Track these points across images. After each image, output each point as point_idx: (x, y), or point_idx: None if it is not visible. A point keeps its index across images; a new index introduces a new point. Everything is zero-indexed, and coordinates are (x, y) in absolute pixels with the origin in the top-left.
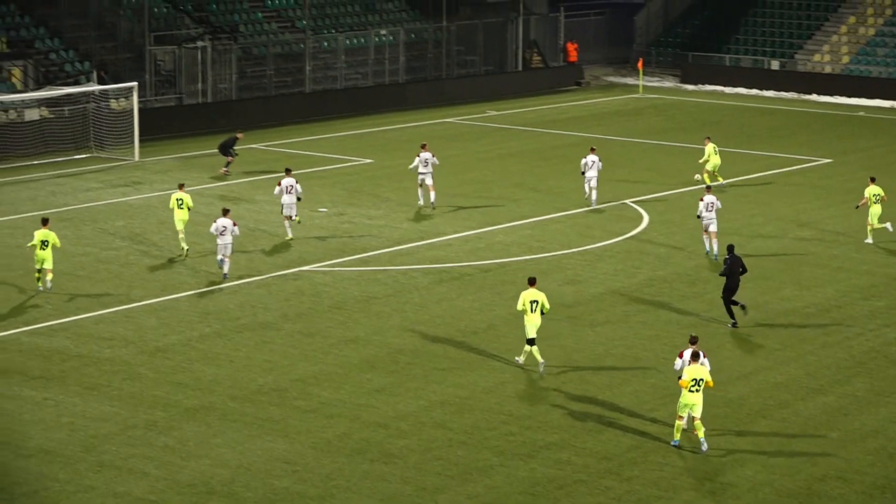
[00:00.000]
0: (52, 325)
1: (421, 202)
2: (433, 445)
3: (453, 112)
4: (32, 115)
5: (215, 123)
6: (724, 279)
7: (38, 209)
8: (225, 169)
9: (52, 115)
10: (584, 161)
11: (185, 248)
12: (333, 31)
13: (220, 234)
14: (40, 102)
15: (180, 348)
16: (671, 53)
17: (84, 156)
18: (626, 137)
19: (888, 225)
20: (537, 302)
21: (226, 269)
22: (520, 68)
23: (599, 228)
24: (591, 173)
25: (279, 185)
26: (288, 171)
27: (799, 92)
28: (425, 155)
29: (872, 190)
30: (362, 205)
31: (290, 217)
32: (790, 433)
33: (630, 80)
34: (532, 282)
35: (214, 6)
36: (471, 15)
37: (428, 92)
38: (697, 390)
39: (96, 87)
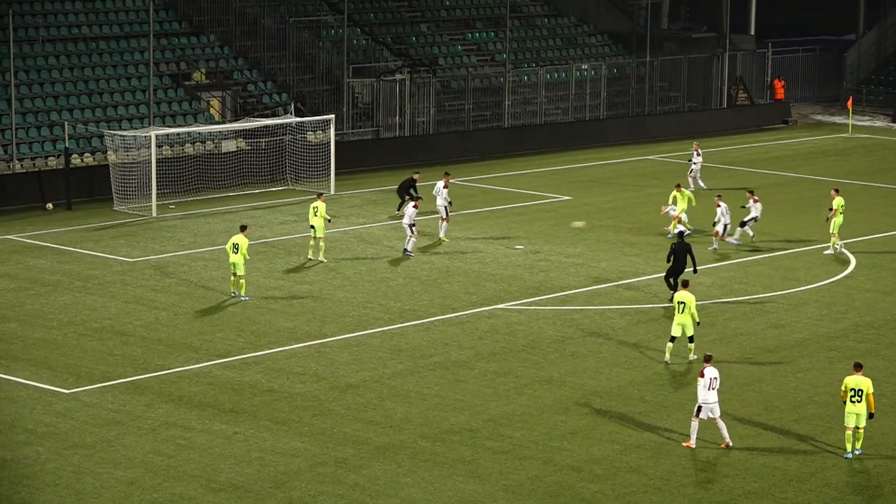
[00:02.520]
0: (244, 358)
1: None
2: (628, 491)
3: (655, 149)
4: (229, 146)
5: (412, 157)
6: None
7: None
8: (399, 211)
9: (248, 147)
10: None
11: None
12: (534, 65)
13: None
14: (237, 134)
15: (372, 385)
16: (883, 92)
17: (280, 188)
18: (833, 178)
19: None
20: (684, 304)
21: (411, 245)
22: (724, 105)
23: (804, 271)
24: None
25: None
26: (447, 175)
27: None
28: (439, 185)
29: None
30: (560, 242)
31: (443, 218)
32: None
33: (839, 119)
34: (685, 284)
35: (414, 39)
36: (675, 50)
37: (629, 128)
38: (858, 401)
39: (294, 119)
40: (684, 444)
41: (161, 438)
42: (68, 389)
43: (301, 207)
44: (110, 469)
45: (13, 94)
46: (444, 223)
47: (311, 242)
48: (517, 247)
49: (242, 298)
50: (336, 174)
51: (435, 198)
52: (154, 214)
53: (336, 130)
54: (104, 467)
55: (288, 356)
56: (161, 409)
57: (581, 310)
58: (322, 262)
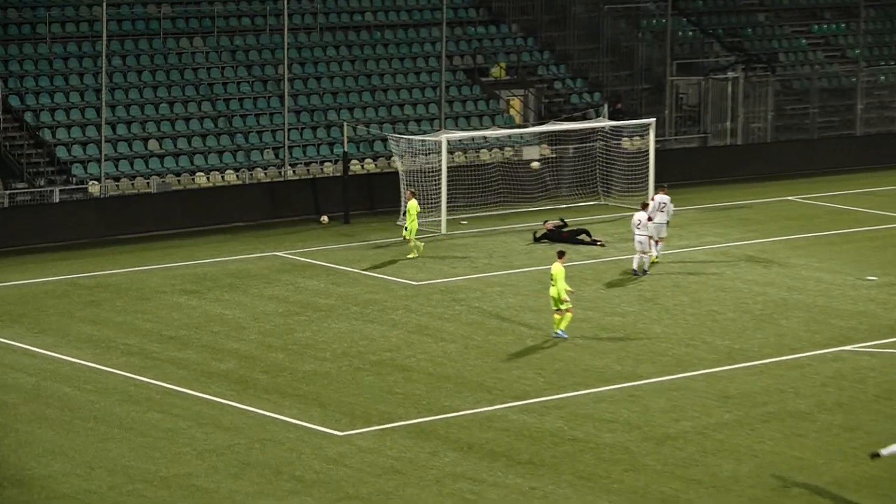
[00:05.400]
0: (544, 401)
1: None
2: None
3: None
4: (532, 153)
5: (745, 169)
6: None
7: (535, 263)
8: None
9: (553, 155)
10: None
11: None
12: (893, 63)
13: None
14: (541, 139)
15: (693, 437)
16: None
17: (590, 203)
18: None
19: None
20: None
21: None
22: None
23: None
24: None
25: (652, 199)
26: (662, 188)
27: None
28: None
29: None
30: None
31: (656, 240)
32: None
33: None
34: None
35: (749, 30)
36: None
37: None
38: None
39: (608, 123)
40: None
41: (447, 492)
42: (341, 431)
43: (613, 226)
44: None
45: (286, 90)
46: (660, 243)
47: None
48: (869, 278)
49: (555, 334)
50: (655, 187)
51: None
52: (443, 231)
53: (656, 137)
54: None
55: (595, 400)
56: (447, 458)
57: None
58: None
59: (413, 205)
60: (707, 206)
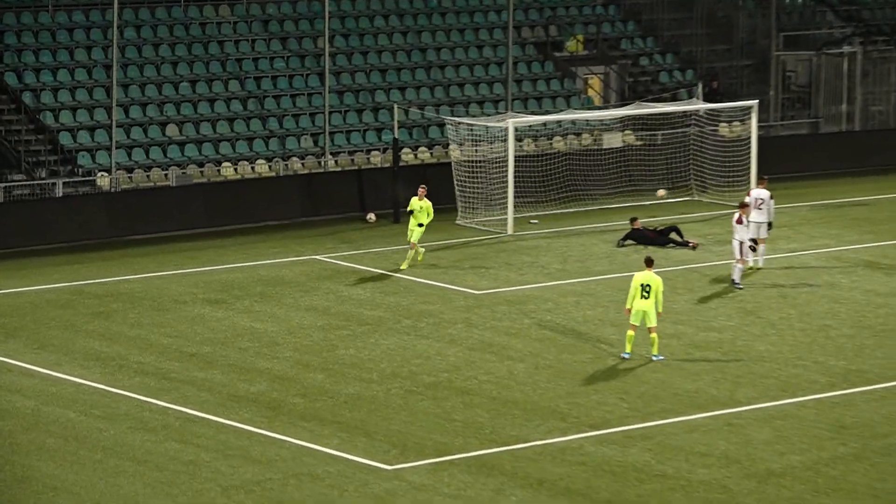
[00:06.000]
0: (627, 430)
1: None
2: None
3: None
4: (614, 140)
5: (863, 160)
6: None
7: (617, 269)
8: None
9: (639, 142)
10: None
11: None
12: None
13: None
14: (625, 124)
15: (802, 473)
16: None
17: (681, 199)
18: None
19: None
20: None
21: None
22: None
23: None
24: None
25: (748, 194)
26: (763, 181)
27: None
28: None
29: None
30: None
31: (755, 241)
32: None
33: None
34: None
35: None
36: None
37: None
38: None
39: (702, 106)
40: None
41: None
42: (390, 465)
43: (707, 226)
44: None
45: (327, 67)
46: (759, 246)
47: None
48: None
49: (654, 358)
50: (757, 180)
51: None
52: (510, 231)
53: (759, 122)
54: None
55: (687, 429)
56: (514, 497)
57: None
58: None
59: (428, 205)
60: (818, 202)
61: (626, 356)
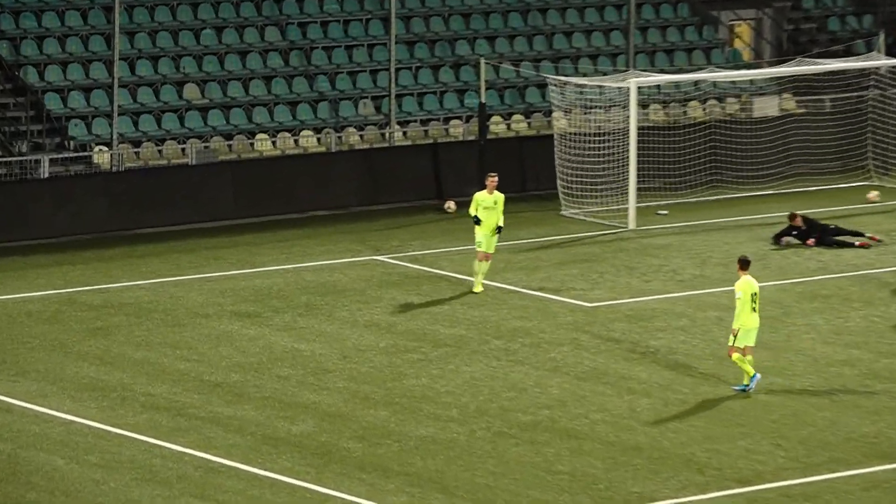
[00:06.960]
0: (786, 486)
1: None
2: None
3: None
4: (768, 107)
5: None
6: None
7: (773, 275)
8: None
9: (801, 109)
10: None
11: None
12: None
13: None
14: (783, 87)
15: None
16: None
17: (858, 183)
18: None
19: None
20: None
21: None
22: None
23: None
24: None
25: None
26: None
27: None
28: None
29: None
30: None
31: None
32: None
33: None
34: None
35: None
36: None
37: None
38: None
39: (885, 63)
40: None
41: None
42: None
43: (890, 219)
44: None
45: (393, 10)
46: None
47: None
48: None
49: (742, 387)
50: None
51: None
52: (632, 225)
53: None
54: None
55: (864, 486)
56: None
57: None
58: None
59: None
60: None
61: (750, 387)
